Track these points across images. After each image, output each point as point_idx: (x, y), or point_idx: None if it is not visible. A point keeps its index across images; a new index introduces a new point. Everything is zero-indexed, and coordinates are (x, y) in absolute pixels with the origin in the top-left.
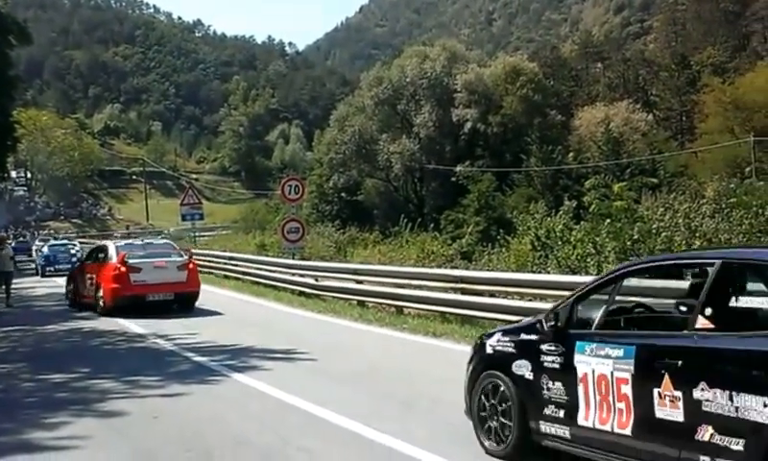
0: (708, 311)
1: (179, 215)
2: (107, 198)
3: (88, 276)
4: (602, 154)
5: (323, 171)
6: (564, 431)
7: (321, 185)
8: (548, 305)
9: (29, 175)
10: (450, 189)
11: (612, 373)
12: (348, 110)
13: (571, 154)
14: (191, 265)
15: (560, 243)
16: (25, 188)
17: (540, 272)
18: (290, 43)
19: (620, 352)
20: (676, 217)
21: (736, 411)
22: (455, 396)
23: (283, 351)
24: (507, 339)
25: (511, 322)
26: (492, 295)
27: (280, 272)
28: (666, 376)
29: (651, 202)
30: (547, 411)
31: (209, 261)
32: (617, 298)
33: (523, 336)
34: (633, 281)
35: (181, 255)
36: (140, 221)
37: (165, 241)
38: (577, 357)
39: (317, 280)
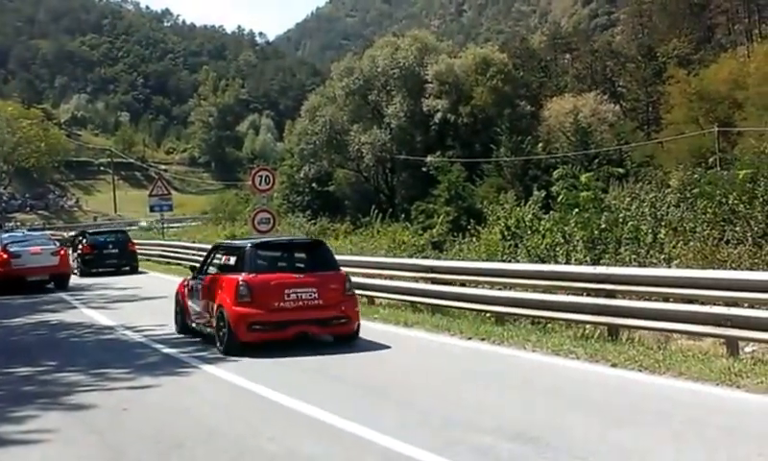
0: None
1: (147, 206)
2: (74, 189)
3: None
4: (570, 144)
5: (293, 161)
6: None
7: (291, 176)
8: (518, 294)
9: None
10: (421, 180)
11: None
12: (318, 101)
13: (540, 144)
14: (62, 252)
15: (529, 233)
16: None
17: (509, 261)
18: (260, 33)
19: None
20: (642, 206)
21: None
22: (425, 384)
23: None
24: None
25: (483, 311)
26: (462, 284)
27: None
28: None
29: (618, 191)
30: None
31: (176, 252)
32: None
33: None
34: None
35: (55, 244)
36: (108, 212)
37: (41, 233)
38: None
39: None
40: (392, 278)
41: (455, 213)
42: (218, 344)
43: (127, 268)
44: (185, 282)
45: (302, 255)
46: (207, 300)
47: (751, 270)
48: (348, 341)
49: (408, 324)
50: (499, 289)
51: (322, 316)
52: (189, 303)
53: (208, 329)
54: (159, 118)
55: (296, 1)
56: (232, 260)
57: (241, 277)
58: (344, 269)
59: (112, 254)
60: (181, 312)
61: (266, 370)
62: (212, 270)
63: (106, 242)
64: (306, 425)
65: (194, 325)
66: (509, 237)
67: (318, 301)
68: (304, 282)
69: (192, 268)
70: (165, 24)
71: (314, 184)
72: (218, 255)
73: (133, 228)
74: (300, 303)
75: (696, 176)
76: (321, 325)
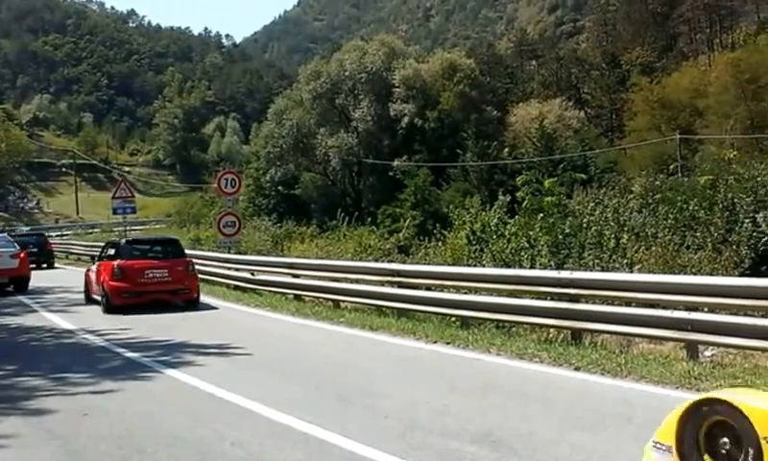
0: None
1: (110, 208)
2: (35, 190)
3: None
4: (536, 149)
5: (259, 164)
6: None
7: (258, 179)
8: (483, 298)
9: None
10: (388, 184)
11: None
12: (285, 104)
13: (506, 149)
14: (22, 255)
15: (494, 237)
16: None
17: (475, 265)
18: (227, 35)
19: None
20: (605, 212)
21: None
22: (390, 388)
23: (217, 346)
24: None
25: (448, 315)
26: (428, 288)
27: (215, 266)
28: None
29: (582, 197)
30: None
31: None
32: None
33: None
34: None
35: (15, 247)
36: (70, 214)
37: (1, 235)
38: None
39: (253, 275)
40: (358, 281)
41: (421, 217)
42: (102, 307)
43: (44, 265)
44: (90, 268)
45: (161, 248)
46: (98, 278)
47: (711, 275)
48: (189, 305)
49: (373, 328)
50: (465, 293)
51: (171, 288)
52: (91, 281)
53: (99, 298)
54: (123, 120)
55: (263, 4)
56: (113, 252)
57: (116, 262)
58: (309, 272)
59: (33, 253)
60: (87, 288)
61: (231, 374)
62: (105, 259)
63: (28, 243)
64: (271, 429)
65: (94, 296)
66: (474, 242)
67: (169, 278)
68: (159, 266)
69: (91, 257)
70: (130, 25)
71: (280, 188)
72: (107, 249)
73: (96, 230)
74: (156, 279)
75: (658, 182)
76: (170, 294)
